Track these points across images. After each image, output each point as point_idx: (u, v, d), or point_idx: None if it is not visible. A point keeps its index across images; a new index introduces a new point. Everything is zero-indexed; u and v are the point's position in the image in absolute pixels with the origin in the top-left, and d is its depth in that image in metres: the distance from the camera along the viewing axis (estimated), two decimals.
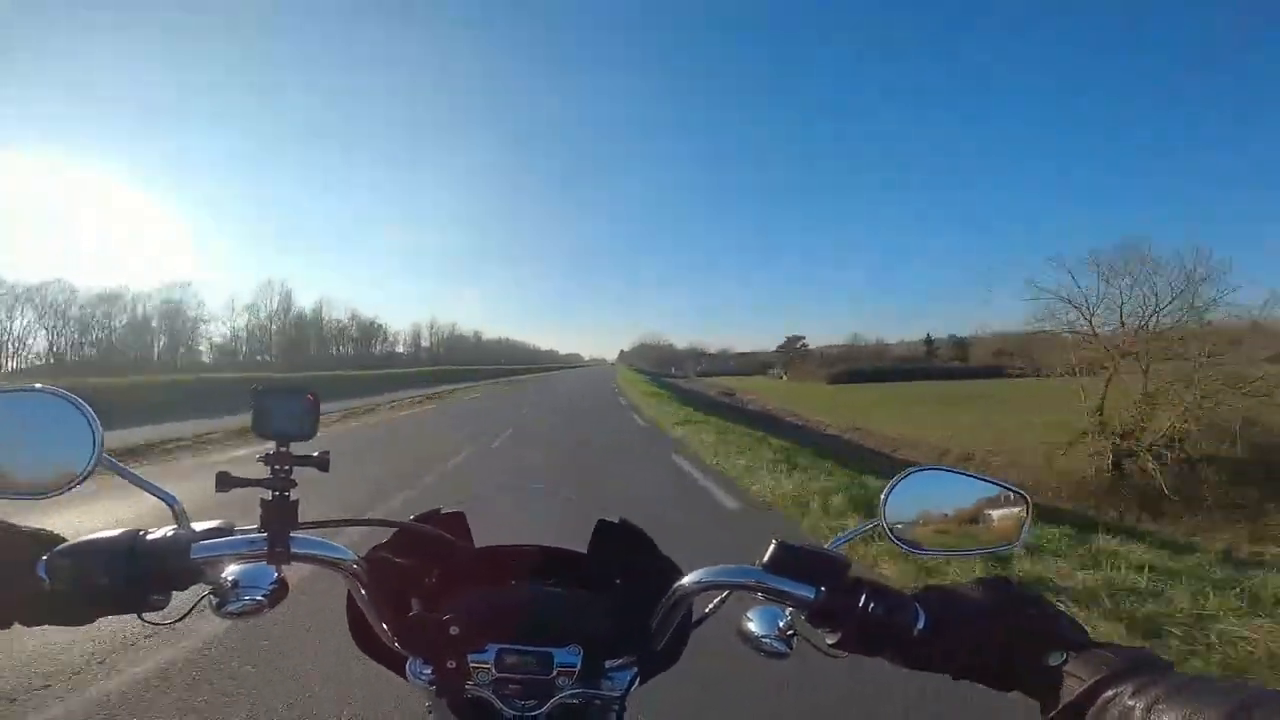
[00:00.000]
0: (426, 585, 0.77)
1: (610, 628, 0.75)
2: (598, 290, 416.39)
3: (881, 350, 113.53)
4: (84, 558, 0.56)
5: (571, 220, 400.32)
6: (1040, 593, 0.62)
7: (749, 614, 0.70)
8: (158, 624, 0.61)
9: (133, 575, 0.57)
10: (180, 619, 0.63)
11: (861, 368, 78.11)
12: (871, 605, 0.61)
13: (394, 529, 0.76)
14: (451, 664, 0.70)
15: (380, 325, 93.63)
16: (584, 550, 0.87)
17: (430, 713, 0.79)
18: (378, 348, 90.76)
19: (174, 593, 0.61)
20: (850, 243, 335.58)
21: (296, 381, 0.65)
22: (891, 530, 0.70)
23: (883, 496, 0.70)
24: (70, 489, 0.58)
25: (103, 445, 0.59)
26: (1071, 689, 0.51)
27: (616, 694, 0.73)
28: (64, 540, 0.58)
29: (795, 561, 0.65)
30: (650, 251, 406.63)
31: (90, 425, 0.58)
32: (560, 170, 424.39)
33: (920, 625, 0.60)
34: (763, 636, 0.68)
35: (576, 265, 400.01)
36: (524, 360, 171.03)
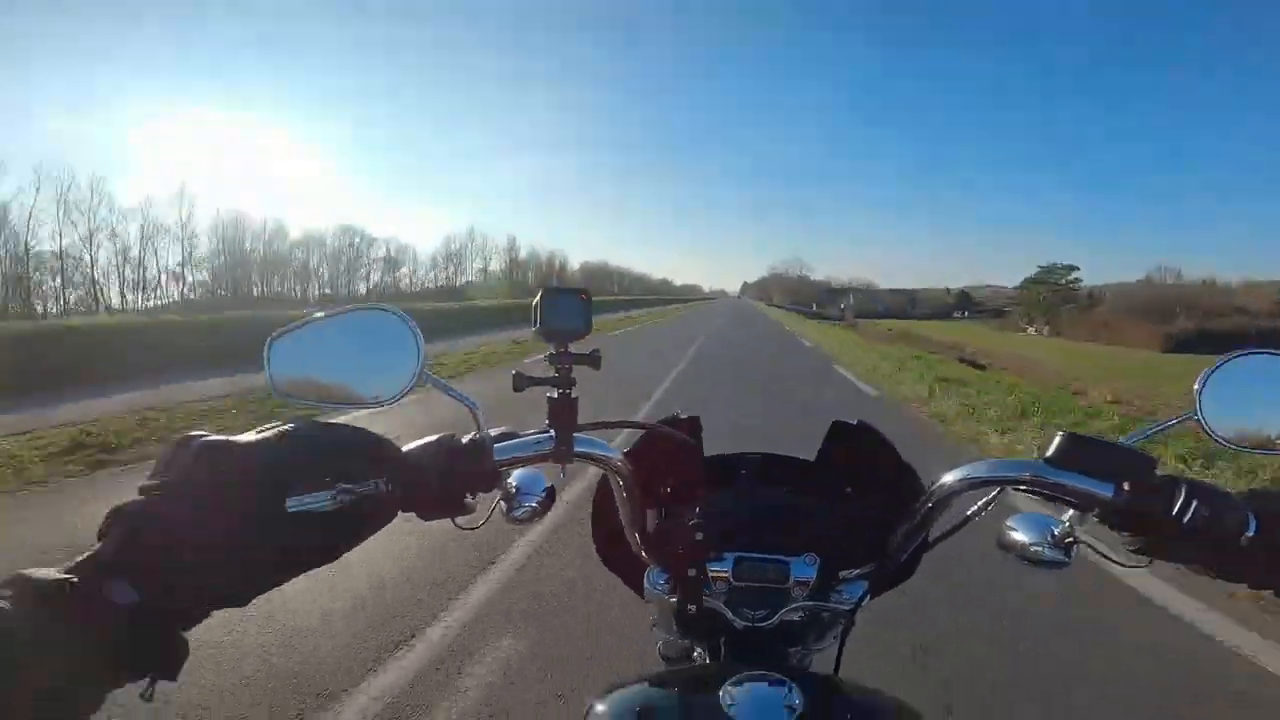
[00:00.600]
0: (663, 494, 0.77)
1: (847, 537, 0.73)
2: (714, 214, 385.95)
3: (1213, 294, 73.11)
4: (418, 461, 0.58)
5: (687, 137, 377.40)
6: None
7: (1010, 521, 0.65)
8: (466, 528, 0.63)
9: (453, 477, 0.59)
10: (484, 522, 0.65)
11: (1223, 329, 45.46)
12: (1193, 504, 0.54)
13: (642, 431, 0.76)
14: (693, 572, 0.70)
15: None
16: (812, 458, 0.85)
17: (655, 625, 0.81)
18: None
19: (481, 495, 0.63)
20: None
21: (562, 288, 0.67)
22: (1208, 424, 0.61)
23: (1197, 385, 0.61)
24: (400, 398, 0.62)
25: (425, 359, 0.62)
26: None
27: (848, 607, 0.71)
28: (398, 447, 0.60)
29: (1088, 455, 0.58)
30: (771, 174, 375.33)
31: (415, 341, 0.62)
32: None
33: (1250, 531, 0.53)
34: (1033, 544, 0.62)
35: (690, 181, 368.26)
36: (635, 290, 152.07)
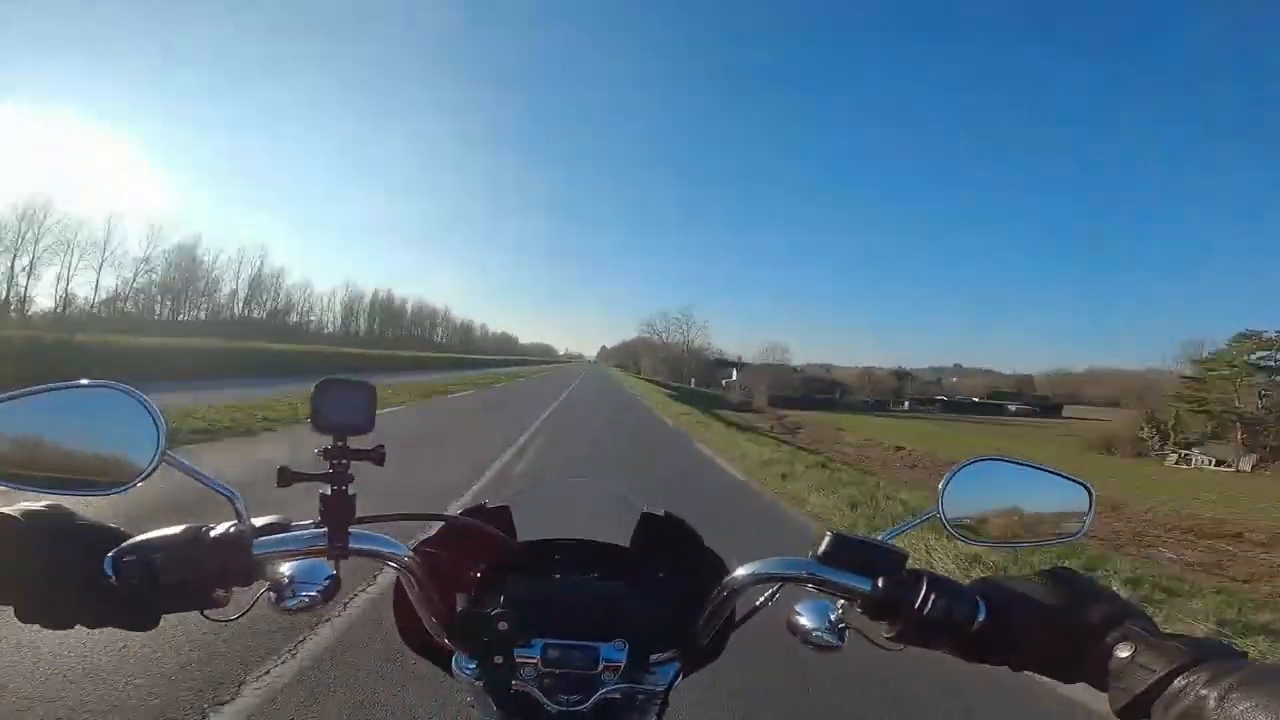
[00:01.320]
0: (470, 579, 0.77)
1: (655, 622, 0.75)
2: (572, 273, 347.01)
3: None
4: (151, 554, 0.55)
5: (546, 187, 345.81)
6: (1105, 584, 0.62)
7: (798, 606, 0.70)
8: (220, 620, 0.61)
9: (198, 571, 0.56)
10: (241, 615, 0.62)
11: None
12: (931, 597, 0.61)
13: (441, 523, 0.76)
14: (499, 659, 0.69)
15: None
16: (626, 544, 0.87)
17: (474, 706, 0.79)
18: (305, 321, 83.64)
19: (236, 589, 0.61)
20: None
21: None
22: (948, 521, 0.69)
23: (940, 486, 0.69)
24: (135, 484, 0.57)
25: (167, 440, 0.58)
26: (1142, 680, 0.51)
27: (660, 688, 0.73)
28: (128, 536, 0.57)
29: (850, 553, 0.65)
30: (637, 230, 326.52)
31: (154, 419, 0.57)
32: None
33: (981, 617, 0.60)
34: (814, 630, 0.68)
35: (543, 236, 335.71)
36: (464, 349, 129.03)
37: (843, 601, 0.68)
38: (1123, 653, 0.53)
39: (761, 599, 0.75)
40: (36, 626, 0.54)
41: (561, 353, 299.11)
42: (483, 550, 0.77)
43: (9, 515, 0.54)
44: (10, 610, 0.53)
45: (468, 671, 0.73)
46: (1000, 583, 0.63)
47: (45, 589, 0.53)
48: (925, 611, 0.61)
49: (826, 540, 0.66)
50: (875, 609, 0.64)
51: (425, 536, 0.76)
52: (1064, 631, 0.58)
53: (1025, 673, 0.61)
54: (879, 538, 0.68)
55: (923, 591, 0.61)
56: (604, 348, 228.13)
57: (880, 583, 0.63)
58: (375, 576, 3.78)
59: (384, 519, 0.68)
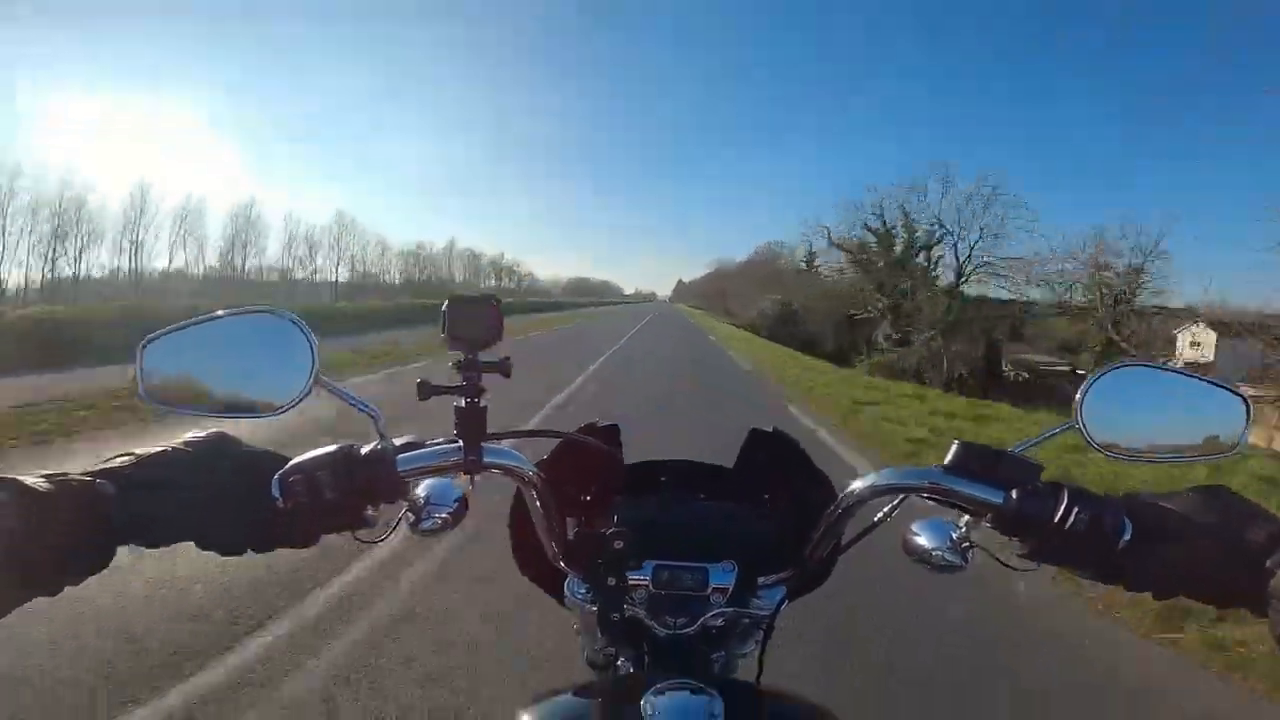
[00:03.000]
0: (579, 501, 0.77)
1: (763, 544, 0.74)
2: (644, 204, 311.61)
3: None
4: (314, 473, 0.56)
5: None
6: (1261, 504, 0.57)
7: (914, 526, 0.67)
8: (367, 541, 0.62)
9: (352, 490, 0.57)
10: (386, 536, 0.64)
11: None
12: (1074, 510, 0.56)
13: (558, 440, 0.76)
14: (612, 581, 0.69)
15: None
16: (730, 464, 0.86)
17: (579, 633, 0.81)
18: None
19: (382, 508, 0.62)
20: None
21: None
22: (1087, 431, 0.64)
23: (1079, 396, 0.64)
24: (294, 406, 0.60)
25: (319, 362, 0.60)
26: None
27: (765, 612, 0.72)
28: (285, 458, 0.58)
29: (981, 463, 0.61)
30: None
31: (310, 345, 0.59)
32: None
33: (1126, 535, 0.56)
34: (934, 549, 0.65)
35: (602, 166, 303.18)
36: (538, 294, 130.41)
37: (967, 518, 0.64)
38: None
39: (878, 516, 0.71)
40: (211, 554, 0.56)
41: (629, 292, 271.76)
42: (593, 471, 0.77)
43: (182, 448, 0.56)
44: (192, 544, 0.55)
45: (579, 596, 0.73)
46: (1148, 499, 0.58)
47: (221, 517, 0.55)
48: (1066, 527, 0.56)
49: (954, 449, 0.63)
50: (1008, 523, 0.60)
51: (540, 458, 0.75)
52: (1219, 554, 0.54)
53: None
54: (1011, 449, 0.63)
55: (1063, 504, 0.57)
56: (681, 282, 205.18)
57: (1015, 494, 0.59)
58: None
59: (513, 435, 0.68)
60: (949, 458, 0.63)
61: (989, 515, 0.61)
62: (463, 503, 0.67)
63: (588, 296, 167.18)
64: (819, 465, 0.81)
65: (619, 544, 0.69)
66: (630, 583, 0.70)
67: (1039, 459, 0.62)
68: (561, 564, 0.74)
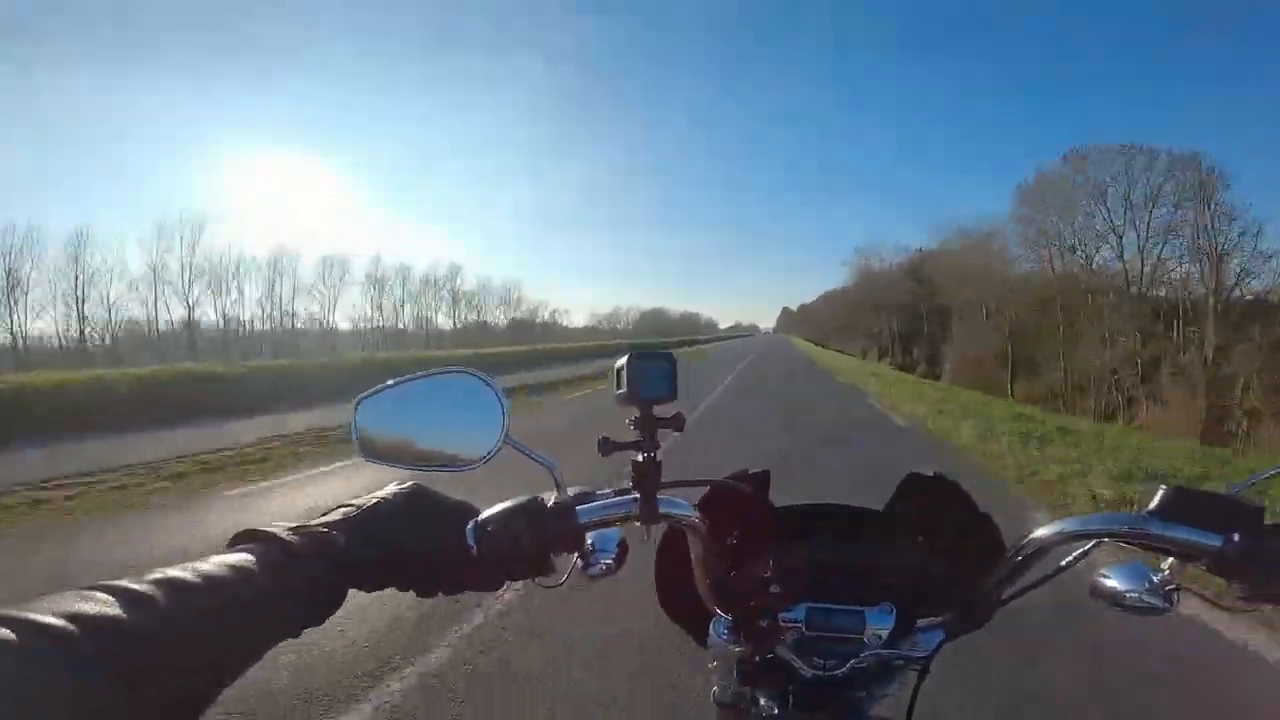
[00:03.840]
0: (729, 546, 0.78)
1: (923, 586, 0.73)
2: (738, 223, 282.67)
3: None
4: (505, 525, 0.60)
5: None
6: None
7: (1105, 570, 0.65)
8: (549, 585, 0.65)
9: (539, 539, 0.61)
10: (564, 580, 0.67)
11: None
12: None
13: (706, 487, 0.77)
14: (765, 622, 0.70)
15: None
16: (879, 508, 0.85)
17: (716, 673, 0.81)
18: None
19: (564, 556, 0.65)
20: None
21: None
22: None
23: None
24: (487, 460, 0.63)
25: (509, 422, 0.63)
26: None
27: (922, 654, 0.71)
28: (476, 509, 0.62)
29: (1194, 507, 0.59)
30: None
31: (499, 403, 0.63)
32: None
33: None
34: (1130, 591, 0.63)
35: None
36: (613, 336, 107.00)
37: (1171, 561, 0.62)
38: None
39: (1065, 561, 0.69)
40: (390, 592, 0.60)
41: (724, 326, 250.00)
42: (743, 515, 0.78)
43: (389, 500, 0.60)
44: (393, 588, 0.59)
45: (724, 637, 0.74)
46: None
47: (422, 563, 0.59)
48: None
49: (1160, 494, 0.61)
50: (1229, 568, 0.58)
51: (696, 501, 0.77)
52: None
53: None
54: (1225, 491, 0.61)
55: None
56: (786, 310, 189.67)
57: (1237, 538, 0.57)
58: None
59: (680, 485, 0.70)
60: (1156, 502, 0.61)
61: (1203, 560, 0.59)
62: (624, 548, 0.70)
63: (660, 335, 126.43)
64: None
65: (774, 587, 0.70)
66: (783, 624, 0.70)
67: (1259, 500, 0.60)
68: (714, 606, 0.75)
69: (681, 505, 0.69)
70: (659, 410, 0.67)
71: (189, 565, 0.46)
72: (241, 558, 0.48)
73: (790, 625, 0.71)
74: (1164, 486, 0.61)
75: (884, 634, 0.70)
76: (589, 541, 0.68)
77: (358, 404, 0.65)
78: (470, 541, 0.59)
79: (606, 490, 0.67)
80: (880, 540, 0.80)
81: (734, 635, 0.74)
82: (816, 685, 0.71)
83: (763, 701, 0.77)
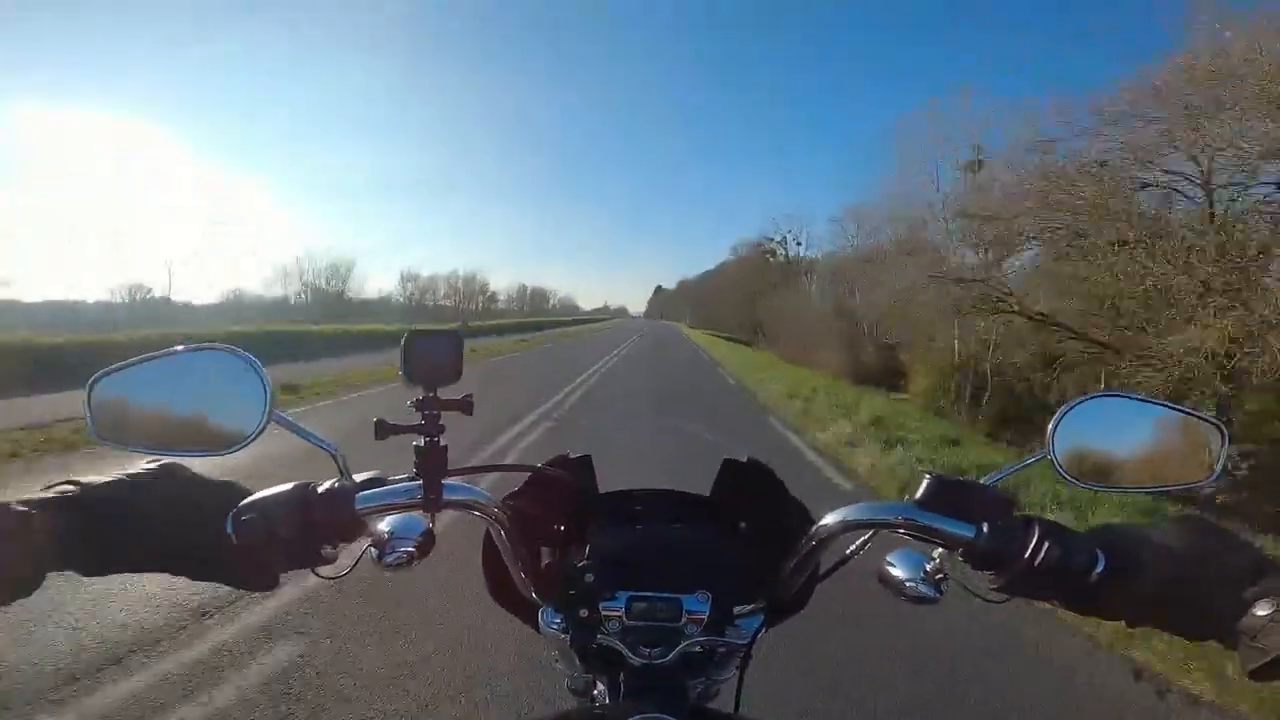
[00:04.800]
0: (555, 532, 0.77)
1: (738, 573, 0.74)
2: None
3: None
4: (266, 511, 0.56)
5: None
6: (1240, 534, 0.57)
7: (890, 557, 0.68)
8: (330, 578, 0.63)
9: (309, 528, 0.58)
10: (348, 572, 0.64)
11: None
12: (1045, 545, 0.57)
13: (526, 474, 0.76)
14: (585, 612, 0.69)
15: None
16: (707, 493, 0.86)
17: (558, 661, 0.81)
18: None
19: (342, 545, 0.62)
20: None
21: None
22: (1059, 463, 0.64)
23: (1050, 427, 0.64)
24: (248, 443, 0.59)
25: (274, 400, 0.59)
26: None
27: (743, 641, 0.72)
28: (246, 492, 0.58)
29: (952, 497, 0.62)
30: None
31: (262, 381, 0.59)
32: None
33: (1099, 568, 0.56)
34: (908, 580, 0.66)
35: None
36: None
37: (940, 550, 0.65)
38: (1261, 610, 0.49)
39: (852, 548, 0.72)
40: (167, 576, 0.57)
41: (588, 309, 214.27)
42: (565, 501, 0.77)
43: (127, 479, 0.56)
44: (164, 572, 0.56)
45: (554, 626, 0.73)
46: (1122, 531, 0.59)
47: (170, 548, 0.55)
48: (1036, 562, 0.57)
49: (925, 483, 0.63)
50: (980, 558, 0.60)
51: (511, 490, 0.76)
52: (1193, 586, 0.54)
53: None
54: (982, 480, 0.64)
55: (1034, 539, 0.57)
56: (660, 289, 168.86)
57: (985, 529, 0.59)
58: None
59: (474, 470, 0.68)
60: (920, 492, 0.63)
61: (961, 549, 0.61)
62: (428, 536, 0.67)
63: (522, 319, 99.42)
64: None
65: (589, 577, 0.69)
66: (605, 613, 0.70)
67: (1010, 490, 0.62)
68: (533, 595, 0.74)
69: (473, 491, 0.67)
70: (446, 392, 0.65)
71: None
72: None
73: (612, 614, 0.70)
74: (928, 475, 0.63)
75: (703, 620, 0.70)
76: (384, 529, 0.65)
77: (94, 382, 0.59)
78: (229, 530, 0.56)
79: (401, 476, 0.64)
80: (700, 526, 0.81)
81: (563, 624, 0.73)
82: (646, 672, 0.70)
83: (599, 689, 0.77)
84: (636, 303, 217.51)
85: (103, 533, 0.53)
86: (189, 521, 0.56)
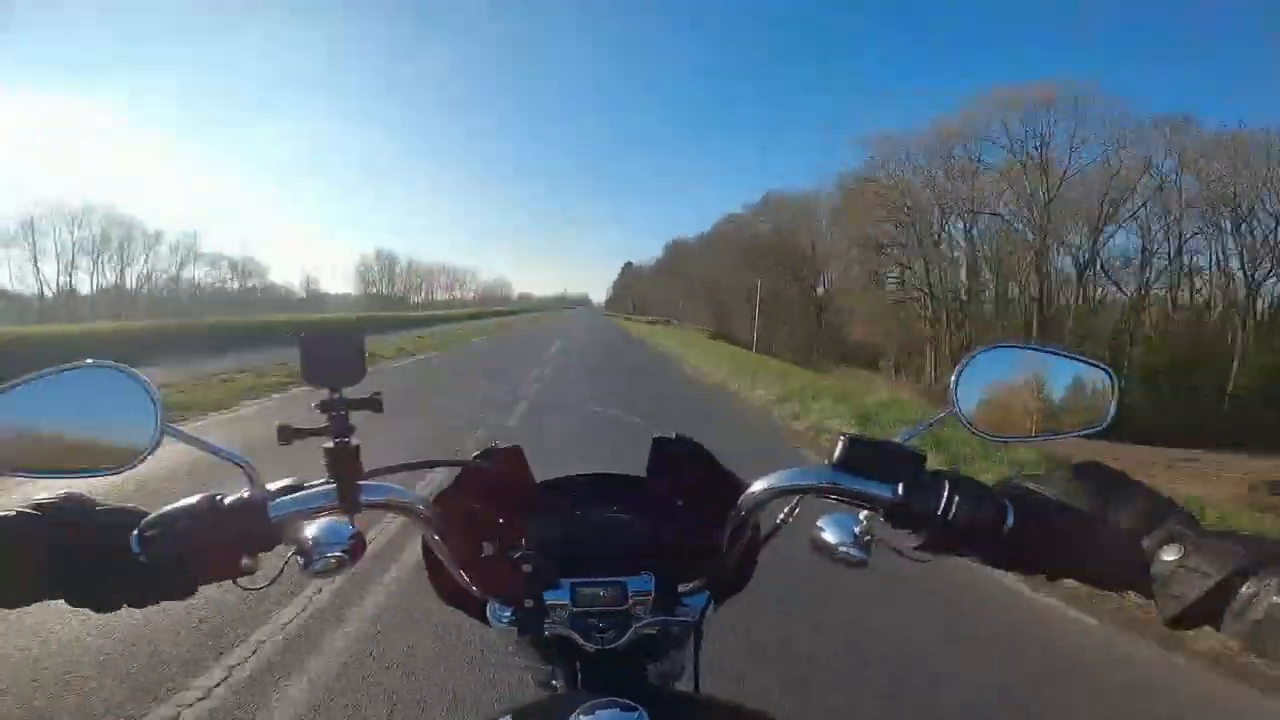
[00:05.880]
0: (496, 526, 0.76)
1: (678, 551, 0.74)
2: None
3: None
4: (171, 527, 0.55)
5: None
6: (1141, 480, 0.56)
7: (821, 522, 0.67)
8: (252, 589, 0.61)
9: (220, 540, 0.56)
10: (271, 582, 0.62)
11: None
12: (955, 500, 0.57)
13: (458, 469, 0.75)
14: (530, 603, 0.69)
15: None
16: (643, 473, 0.85)
17: (515, 653, 0.80)
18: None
19: (261, 555, 0.61)
20: None
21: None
22: (964, 417, 0.65)
23: (951, 381, 0.64)
24: (141, 461, 0.57)
25: (164, 414, 0.57)
26: (1197, 585, 0.46)
27: (692, 619, 0.72)
28: (146, 512, 0.57)
29: (869, 457, 0.61)
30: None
31: (149, 395, 0.56)
32: None
33: (1010, 521, 0.56)
34: (838, 545, 0.65)
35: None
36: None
37: (866, 512, 0.64)
38: (1169, 555, 0.49)
39: (781, 515, 0.72)
40: (88, 611, 0.56)
41: (538, 296, 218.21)
42: (501, 494, 0.76)
43: (29, 512, 0.54)
44: (63, 600, 0.55)
45: (503, 620, 0.72)
46: (1029, 483, 0.59)
47: (83, 574, 0.54)
48: (950, 517, 0.57)
49: (841, 444, 0.62)
50: (899, 517, 0.60)
51: (445, 486, 0.75)
52: (1100, 534, 0.54)
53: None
54: (897, 439, 0.64)
55: (945, 495, 0.58)
56: (629, 264, 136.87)
57: (900, 488, 0.59)
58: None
59: (395, 469, 0.66)
60: (837, 454, 0.62)
61: (882, 510, 0.61)
62: (358, 540, 0.65)
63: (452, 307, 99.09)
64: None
65: (527, 568, 0.69)
66: (550, 603, 0.69)
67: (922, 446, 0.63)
68: (475, 590, 0.73)
69: (391, 491, 0.65)
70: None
71: None
72: None
73: (557, 603, 0.70)
74: (843, 436, 0.63)
75: (649, 602, 0.70)
76: (309, 536, 0.63)
77: None
78: (135, 549, 0.54)
79: (318, 481, 0.62)
80: (637, 507, 0.80)
81: (510, 617, 0.72)
82: (600, 658, 0.70)
83: (558, 680, 0.76)
84: (598, 290, 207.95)
85: (8, 565, 0.52)
86: (97, 544, 0.54)
